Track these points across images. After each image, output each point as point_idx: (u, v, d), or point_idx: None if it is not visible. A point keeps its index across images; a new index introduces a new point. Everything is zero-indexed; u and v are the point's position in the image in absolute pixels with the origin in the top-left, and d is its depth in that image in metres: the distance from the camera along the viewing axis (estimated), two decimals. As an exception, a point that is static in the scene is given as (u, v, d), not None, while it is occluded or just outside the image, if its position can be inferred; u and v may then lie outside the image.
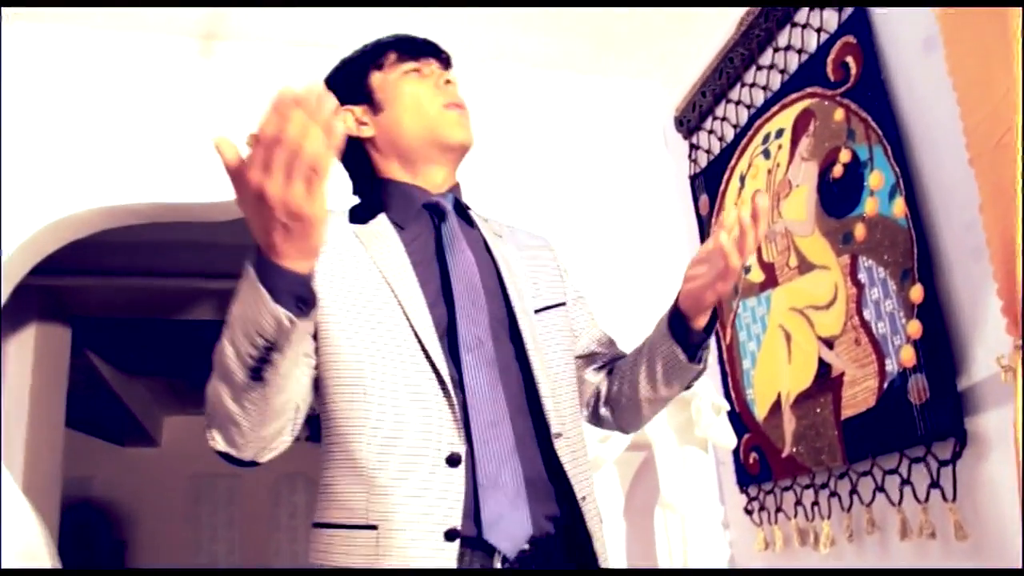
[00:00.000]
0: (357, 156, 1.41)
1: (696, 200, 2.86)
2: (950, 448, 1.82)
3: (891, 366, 1.98)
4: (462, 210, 1.38)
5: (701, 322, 1.33)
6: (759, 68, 2.52)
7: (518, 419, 1.23)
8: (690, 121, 2.89)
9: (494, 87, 2.95)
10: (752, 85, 2.56)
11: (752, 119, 2.54)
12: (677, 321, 1.34)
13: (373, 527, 1.15)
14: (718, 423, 2.25)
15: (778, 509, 2.40)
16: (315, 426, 1.29)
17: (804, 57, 2.33)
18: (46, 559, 2.18)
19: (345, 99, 1.37)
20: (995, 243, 1.60)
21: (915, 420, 1.89)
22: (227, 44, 2.73)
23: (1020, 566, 1.63)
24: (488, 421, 1.18)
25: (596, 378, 1.48)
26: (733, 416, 2.47)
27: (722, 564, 2.48)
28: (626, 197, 2.99)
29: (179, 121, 2.63)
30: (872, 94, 2.06)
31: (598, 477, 2.37)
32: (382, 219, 1.33)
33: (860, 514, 2.09)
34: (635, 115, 3.11)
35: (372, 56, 1.39)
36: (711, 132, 2.79)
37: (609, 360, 1.48)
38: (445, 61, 1.41)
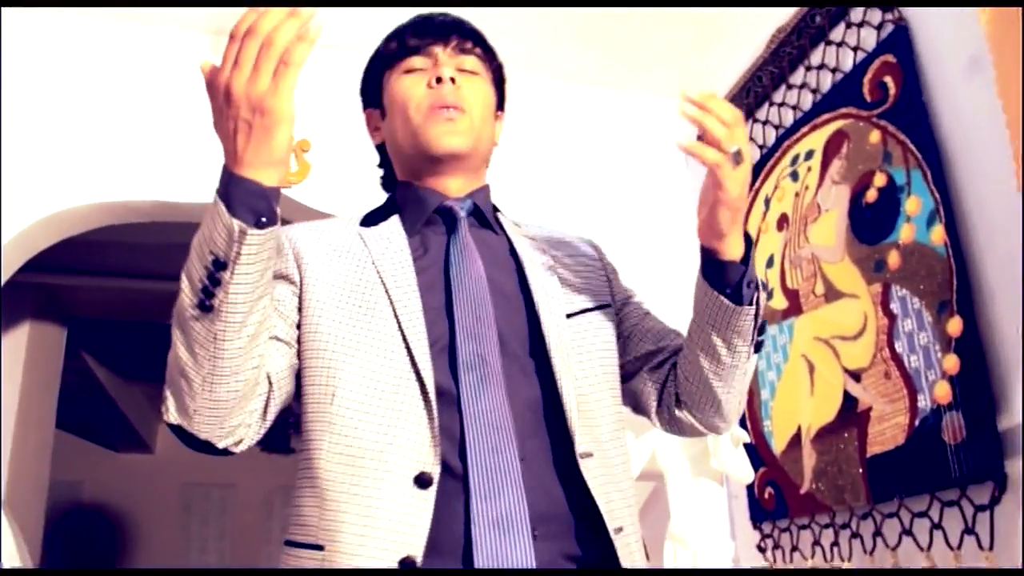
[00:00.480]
0: (382, 160, 1.35)
1: (717, 222, 2.75)
2: (988, 492, 1.71)
3: (924, 402, 1.87)
4: (482, 216, 1.26)
5: (732, 252, 1.11)
6: (789, 87, 2.43)
7: (532, 443, 1.08)
8: (713, 140, 2.79)
9: (514, 97, 2.86)
10: (781, 104, 2.47)
11: (780, 139, 2.45)
12: (709, 266, 1.14)
13: (320, 547, 1.03)
14: (736, 455, 2.14)
15: (794, 548, 2.28)
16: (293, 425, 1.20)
17: (838, 76, 2.23)
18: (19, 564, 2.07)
19: (368, 102, 1.33)
20: (1047, 275, 1.50)
21: (949, 461, 1.78)
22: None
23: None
24: (489, 447, 1.04)
25: (657, 377, 1.27)
26: (749, 448, 2.36)
27: (732, 603, 2.36)
28: (643, 216, 2.90)
29: (184, 119, 2.54)
30: (912, 115, 1.96)
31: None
32: (394, 222, 1.24)
33: (884, 557, 1.97)
34: (656, 132, 3.01)
35: (383, 50, 1.29)
36: (735, 152, 2.69)
37: (671, 354, 1.27)
38: (457, 45, 1.26)
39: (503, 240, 1.26)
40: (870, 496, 1.99)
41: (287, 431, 5.56)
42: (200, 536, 6.96)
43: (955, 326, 1.79)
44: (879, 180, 2.05)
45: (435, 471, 1.02)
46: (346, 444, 1.05)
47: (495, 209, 1.31)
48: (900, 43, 2.01)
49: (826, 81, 2.29)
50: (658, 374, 1.27)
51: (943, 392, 1.81)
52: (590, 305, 1.22)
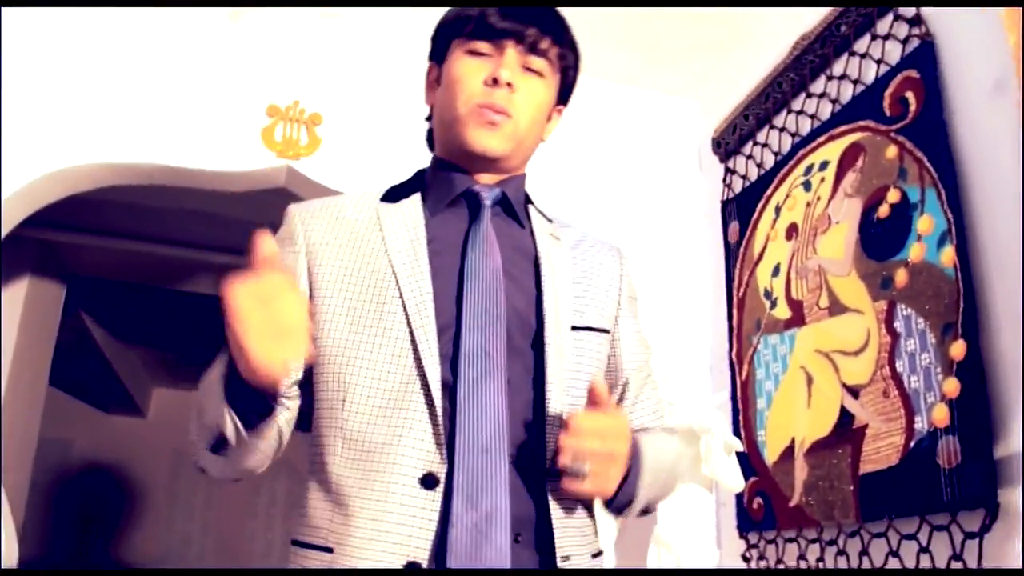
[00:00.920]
0: (431, 115, 1.30)
1: (726, 226, 2.73)
2: (979, 520, 1.68)
3: (920, 424, 1.84)
4: (509, 206, 1.22)
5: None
6: (809, 95, 2.40)
7: (524, 446, 1.08)
8: (728, 144, 2.77)
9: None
10: (800, 112, 2.43)
11: (796, 148, 2.42)
12: None
13: (330, 550, 1.04)
14: (727, 463, 2.12)
15: (779, 560, 2.27)
16: (303, 415, 1.19)
17: (860, 88, 2.20)
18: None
19: (433, 55, 1.27)
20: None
21: (942, 485, 1.76)
22: (253, 11, 2.62)
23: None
24: (479, 446, 1.03)
25: None
26: (741, 457, 2.34)
27: (712, 611, 2.35)
28: (653, 215, 2.87)
29: (197, 85, 2.52)
30: (931, 133, 1.93)
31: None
32: (415, 200, 1.21)
33: (868, 577, 1.95)
34: (672, 131, 2.99)
35: (460, 15, 1.22)
36: (749, 157, 2.66)
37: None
38: (532, 43, 1.18)
39: (527, 235, 1.22)
40: (859, 514, 1.97)
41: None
42: (187, 504, 6.97)
43: (958, 349, 1.76)
44: (892, 196, 2.02)
45: (442, 471, 1.03)
46: (357, 447, 1.06)
47: (528, 200, 1.28)
48: (925, 59, 1.98)
49: (847, 92, 2.26)
50: None
51: (941, 415, 1.78)
52: (594, 324, 1.20)
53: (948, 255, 1.83)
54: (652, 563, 2.20)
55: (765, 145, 2.59)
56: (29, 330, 3.69)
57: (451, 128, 1.19)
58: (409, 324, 1.08)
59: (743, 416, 2.49)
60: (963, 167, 1.86)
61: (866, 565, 1.96)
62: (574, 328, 1.17)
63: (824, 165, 2.28)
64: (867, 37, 2.19)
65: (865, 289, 2.07)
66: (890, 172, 2.03)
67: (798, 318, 2.31)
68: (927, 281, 1.88)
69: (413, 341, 1.07)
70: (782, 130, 2.51)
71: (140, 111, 2.46)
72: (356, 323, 1.10)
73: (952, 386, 1.77)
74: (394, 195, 1.23)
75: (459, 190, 1.20)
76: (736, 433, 2.49)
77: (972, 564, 1.69)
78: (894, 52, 2.10)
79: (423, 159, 2.57)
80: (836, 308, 2.17)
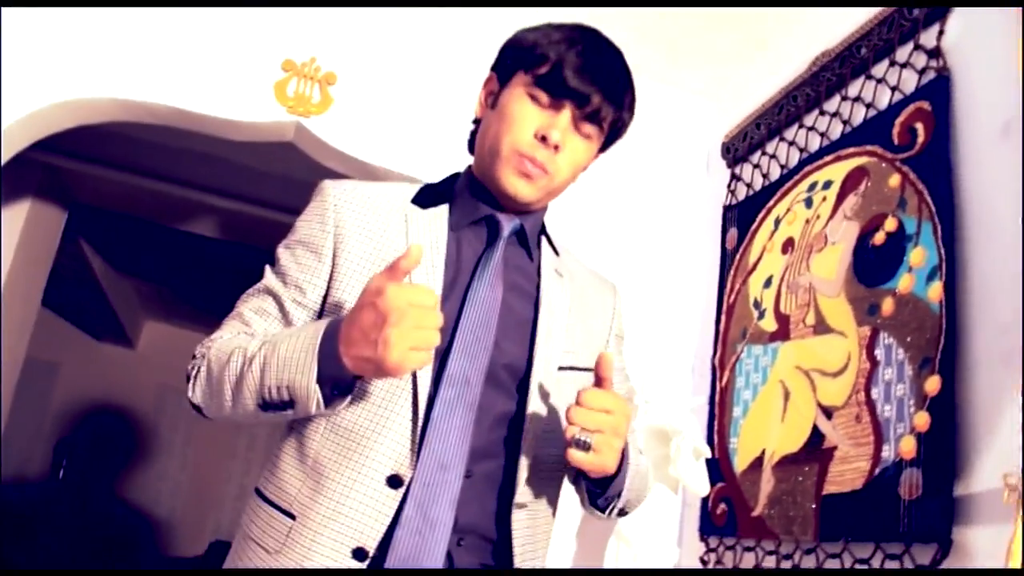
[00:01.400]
0: (478, 122, 1.31)
1: (725, 232, 2.74)
2: (931, 553, 1.71)
3: (888, 452, 1.87)
4: (524, 237, 1.27)
5: (599, 476, 1.19)
6: (822, 113, 2.40)
7: (486, 463, 1.17)
8: (737, 150, 2.77)
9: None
10: (811, 129, 2.44)
11: (802, 163, 2.42)
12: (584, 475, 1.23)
13: (292, 516, 1.13)
14: (695, 468, 2.15)
15: (735, 567, 2.30)
16: None
17: (872, 113, 2.20)
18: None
19: (497, 67, 1.28)
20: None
21: (900, 515, 1.78)
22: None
23: None
24: (439, 461, 1.11)
25: None
26: (711, 462, 2.37)
27: (664, 608, 2.39)
28: (655, 210, 2.88)
29: (216, 30, 2.52)
30: (935, 167, 1.93)
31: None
32: (442, 212, 1.24)
33: (818, 595, 1.98)
34: (684, 130, 2.99)
35: (535, 50, 1.20)
36: (756, 166, 2.67)
37: None
38: (593, 111, 1.20)
39: (534, 268, 1.28)
40: (818, 533, 2.01)
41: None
42: (168, 439, 7.03)
43: (933, 384, 1.78)
44: (890, 224, 2.03)
45: (408, 475, 1.11)
46: (339, 432, 1.13)
47: (543, 231, 1.32)
48: (939, 92, 1.98)
49: (859, 115, 2.26)
50: None
51: (908, 447, 1.81)
52: (580, 365, 1.26)
53: (936, 290, 1.84)
54: (610, 555, 2.24)
55: (773, 156, 2.60)
56: (27, 251, 3.71)
57: (491, 162, 1.22)
58: None
59: (718, 421, 2.52)
60: (962, 205, 1.87)
61: (817, 583, 2.00)
62: (560, 368, 1.23)
63: (828, 184, 2.29)
64: (885, 63, 2.18)
65: (852, 313, 2.08)
66: (890, 200, 2.04)
67: (783, 332, 2.33)
68: (912, 313, 1.89)
69: None
70: (791, 143, 2.52)
71: (156, 50, 2.46)
72: None
73: (923, 420, 1.79)
74: (425, 199, 1.27)
75: (483, 214, 1.24)
76: (710, 437, 2.52)
77: (918, 596, 1.72)
78: (910, 81, 2.10)
79: (430, 134, 2.57)
80: (821, 327, 2.18)
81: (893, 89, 2.14)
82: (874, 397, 1.94)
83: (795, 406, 2.21)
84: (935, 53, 2.02)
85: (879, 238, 2.05)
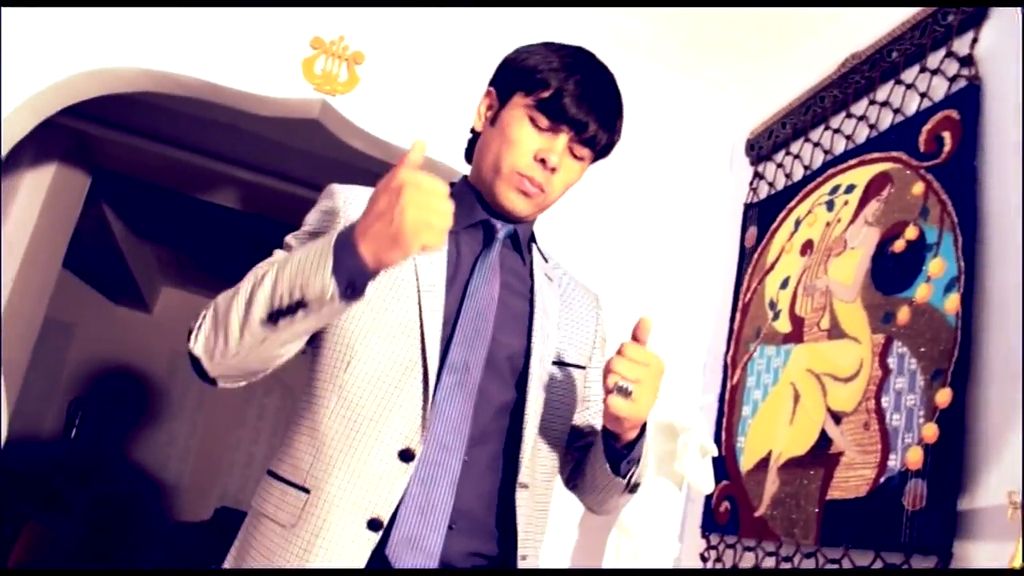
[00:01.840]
0: (475, 134, 1.38)
1: (744, 229, 2.73)
2: (931, 565, 1.71)
3: (894, 462, 1.87)
4: (517, 241, 1.35)
5: (625, 439, 1.26)
6: (849, 116, 2.38)
7: (484, 448, 1.23)
8: (761, 148, 2.76)
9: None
10: (836, 131, 2.42)
11: (826, 165, 2.41)
12: (606, 437, 1.29)
13: (307, 490, 1.17)
14: (701, 465, 2.15)
15: (735, 566, 2.31)
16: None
17: (899, 118, 2.19)
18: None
19: (496, 82, 1.34)
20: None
21: (902, 525, 1.79)
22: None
23: None
24: (440, 443, 1.18)
25: (573, 455, 1.43)
26: (716, 459, 2.37)
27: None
28: (675, 202, 2.87)
29: (247, 4, 2.52)
30: (959, 178, 1.92)
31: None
32: None
33: (817, 599, 1.99)
34: (709, 124, 2.98)
35: (534, 74, 1.27)
36: (779, 166, 2.66)
37: (591, 444, 1.41)
38: (590, 137, 1.27)
39: (526, 271, 1.36)
40: (819, 537, 2.01)
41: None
42: (179, 405, 7.09)
43: (944, 397, 1.78)
44: (910, 232, 2.02)
45: (419, 450, 1.16)
46: (352, 408, 1.18)
47: (532, 239, 1.40)
48: (969, 101, 1.96)
49: (886, 119, 2.24)
50: (577, 453, 1.41)
51: (915, 458, 1.80)
52: (571, 361, 1.35)
53: (952, 302, 1.83)
54: (611, 547, 2.25)
55: (797, 156, 2.58)
56: (51, 214, 3.75)
57: (490, 178, 1.29)
58: (421, 323, 1.20)
59: (727, 419, 2.52)
60: (985, 217, 1.86)
61: (816, 587, 2.01)
62: (554, 363, 1.32)
63: (850, 188, 2.28)
64: (916, 68, 2.16)
65: (867, 319, 2.08)
66: (913, 208, 2.03)
67: (797, 334, 2.33)
68: (927, 324, 1.88)
69: (422, 339, 1.19)
70: (816, 145, 2.50)
71: (187, 22, 2.47)
72: (374, 303, 1.21)
73: (931, 431, 1.79)
74: None
75: (479, 219, 1.32)
76: (717, 434, 2.52)
77: (917, 606, 1.72)
78: (939, 88, 2.08)
79: (455, 117, 2.57)
80: (835, 332, 2.18)
81: (922, 95, 2.12)
82: (884, 405, 1.94)
83: (804, 409, 2.21)
84: (967, 61, 2.00)
85: (899, 246, 2.04)
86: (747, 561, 2.27)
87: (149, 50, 2.43)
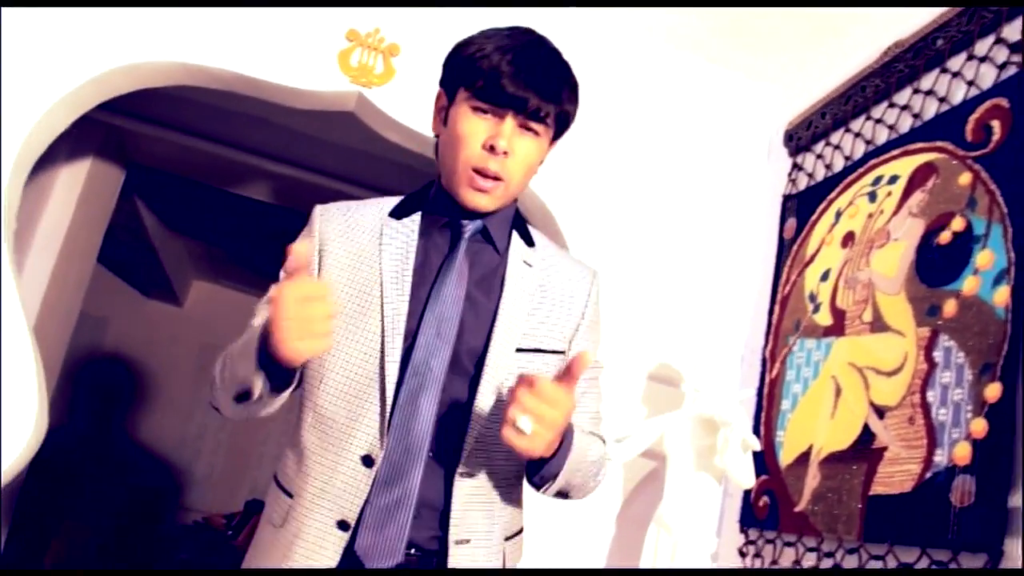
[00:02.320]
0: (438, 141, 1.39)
1: (783, 221, 2.70)
2: (980, 563, 1.68)
3: (940, 457, 1.83)
4: (488, 234, 1.35)
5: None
6: (891, 105, 2.34)
7: (447, 443, 1.27)
8: (800, 139, 2.72)
9: (618, 54, 2.80)
10: (878, 121, 2.38)
11: (868, 156, 2.37)
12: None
13: (291, 495, 1.30)
14: (742, 460, 2.13)
15: (774, 562, 2.29)
16: None
17: (944, 107, 2.14)
18: (35, 393, 2.14)
19: (444, 82, 1.36)
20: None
21: (950, 522, 1.75)
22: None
23: None
24: (404, 445, 1.24)
25: None
26: (756, 454, 2.34)
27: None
28: (711, 197, 2.84)
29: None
30: (1010, 167, 1.88)
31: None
32: (415, 220, 1.35)
33: (860, 595, 1.96)
34: (747, 115, 2.94)
35: (472, 64, 1.27)
36: (819, 156, 2.62)
37: None
38: (534, 111, 1.26)
39: (502, 261, 1.36)
40: (862, 533, 1.98)
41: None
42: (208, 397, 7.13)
43: (993, 391, 1.74)
44: (957, 224, 1.98)
45: (380, 455, 1.24)
46: (323, 422, 1.28)
47: (515, 225, 1.39)
48: (1019, 89, 1.92)
49: (930, 109, 2.20)
50: None
51: (963, 453, 1.77)
52: (544, 347, 1.35)
53: (1002, 294, 1.80)
54: (650, 541, 2.23)
55: (837, 147, 2.54)
56: (86, 209, 3.77)
57: (449, 178, 1.31)
58: (383, 333, 1.26)
59: (765, 414, 2.50)
60: (1035, 208, 1.81)
61: (860, 583, 1.98)
62: (520, 350, 1.31)
63: (893, 179, 2.24)
64: (963, 56, 2.12)
65: (911, 312, 2.04)
66: (959, 199, 1.99)
67: (838, 327, 2.29)
68: (975, 317, 1.85)
69: (382, 349, 1.26)
70: (857, 135, 2.46)
71: (222, 15, 2.46)
72: (342, 320, 1.28)
73: (980, 426, 1.75)
74: (401, 211, 1.37)
75: (443, 221, 1.35)
76: (756, 428, 2.49)
77: (966, 604, 1.69)
78: (988, 76, 2.03)
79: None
80: (878, 325, 2.14)
81: (969, 84, 2.08)
82: (929, 400, 1.91)
83: (846, 403, 2.17)
84: (1018, 47, 1.95)
85: (945, 237, 2.00)
86: (787, 556, 2.24)
87: (185, 44, 2.43)
